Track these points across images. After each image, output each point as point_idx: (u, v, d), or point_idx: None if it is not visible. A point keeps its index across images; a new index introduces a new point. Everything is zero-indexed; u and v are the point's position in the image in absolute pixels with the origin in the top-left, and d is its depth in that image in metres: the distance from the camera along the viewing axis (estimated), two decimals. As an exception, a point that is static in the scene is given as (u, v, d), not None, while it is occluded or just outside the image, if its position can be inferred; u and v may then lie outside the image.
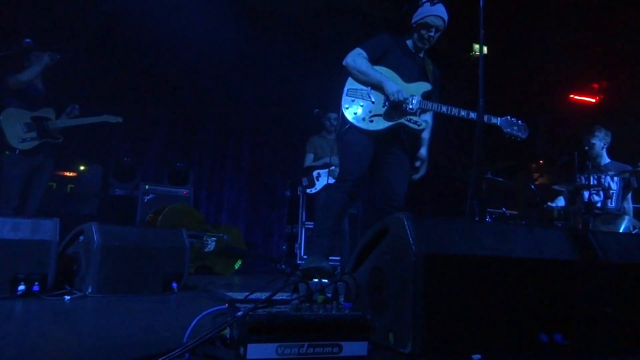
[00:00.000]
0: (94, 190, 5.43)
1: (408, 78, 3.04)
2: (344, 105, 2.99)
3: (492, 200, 5.84)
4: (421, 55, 3.18)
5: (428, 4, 3.02)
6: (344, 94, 3.00)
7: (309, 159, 5.25)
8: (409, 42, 3.16)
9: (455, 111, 2.99)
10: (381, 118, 2.97)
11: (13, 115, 4.07)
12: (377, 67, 3.00)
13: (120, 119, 4.60)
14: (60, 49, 4.30)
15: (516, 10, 6.03)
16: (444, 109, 3.00)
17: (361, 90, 3.00)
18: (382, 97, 2.98)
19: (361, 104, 2.98)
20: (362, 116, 2.97)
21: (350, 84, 3.02)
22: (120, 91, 5.86)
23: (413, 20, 3.09)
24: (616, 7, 6.10)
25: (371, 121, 2.97)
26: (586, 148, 4.61)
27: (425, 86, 3.07)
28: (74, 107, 4.39)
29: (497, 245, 1.71)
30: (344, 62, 3.03)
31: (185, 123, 6.72)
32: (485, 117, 2.94)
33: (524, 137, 3.07)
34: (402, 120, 2.99)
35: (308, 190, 5.15)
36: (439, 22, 3.02)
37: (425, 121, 3.11)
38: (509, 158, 7.88)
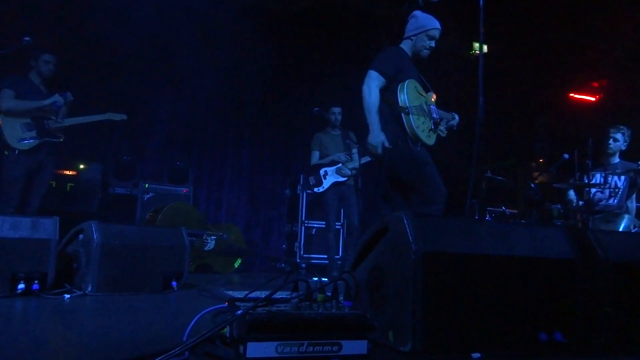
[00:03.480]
0: (93, 189, 5.43)
1: (423, 88, 3.14)
2: (415, 124, 2.96)
3: (492, 199, 5.84)
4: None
5: (423, 14, 3.14)
6: (411, 112, 2.96)
7: (315, 157, 5.11)
8: (407, 50, 3.20)
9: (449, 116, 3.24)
10: (432, 132, 3.10)
11: (11, 115, 4.04)
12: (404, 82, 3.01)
13: (124, 116, 4.51)
14: (61, 48, 4.28)
15: (516, 9, 6.02)
16: (442, 114, 3.19)
17: (419, 105, 3.02)
18: (429, 111, 3.08)
19: (423, 121, 3.04)
20: (427, 134, 3.04)
21: (411, 100, 2.98)
22: (120, 90, 5.85)
23: (414, 33, 3.15)
24: (616, 5, 6.09)
25: (429, 136, 3.07)
26: (610, 142, 4.57)
27: (432, 96, 3.19)
28: (66, 94, 4.24)
29: (497, 243, 1.71)
30: (362, 87, 3.02)
31: (185, 122, 6.72)
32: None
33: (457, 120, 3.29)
34: (439, 132, 3.16)
35: (315, 189, 4.98)
36: (438, 34, 3.14)
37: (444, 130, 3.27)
38: (508, 157, 7.90)
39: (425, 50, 3.14)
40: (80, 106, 4.44)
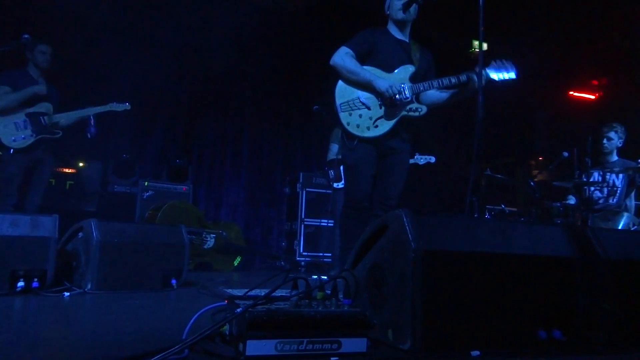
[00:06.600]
0: (93, 187, 5.43)
1: (392, 68, 3.00)
2: (344, 121, 2.93)
3: (491, 197, 5.85)
4: (407, 40, 3.14)
5: None
6: (339, 111, 2.94)
7: (334, 150, 4.93)
8: (391, 30, 3.13)
9: (446, 81, 2.91)
10: (383, 119, 2.93)
11: (5, 114, 4.00)
12: (365, 67, 2.96)
13: (127, 106, 4.40)
14: (60, 43, 4.26)
15: (515, 7, 6.01)
16: (435, 84, 2.93)
17: (352, 100, 2.94)
18: (374, 99, 2.93)
19: (359, 114, 2.93)
20: (366, 125, 2.91)
21: (340, 97, 2.95)
22: (119, 88, 5.84)
23: (387, 6, 3.13)
24: (616, 3, 6.09)
25: (376, 126, 2.92)
26: (604, 142, 4.58)
27: (410, 69, 3.01)
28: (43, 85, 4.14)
29: (496, 241, 1.71)
30: (331, 62, 2.98)
31: (184, 120, 6.72)
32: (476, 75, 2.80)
33: (514, 72, 2.89)
34: (404, 113, 2.96)
35: (335, 184, 4.82)
36: None
37: (422, 106, 3.03)
38: (508, 155, 7.90)
39: (399, 11, 3.01)
40: (80, 103, 4.43)
